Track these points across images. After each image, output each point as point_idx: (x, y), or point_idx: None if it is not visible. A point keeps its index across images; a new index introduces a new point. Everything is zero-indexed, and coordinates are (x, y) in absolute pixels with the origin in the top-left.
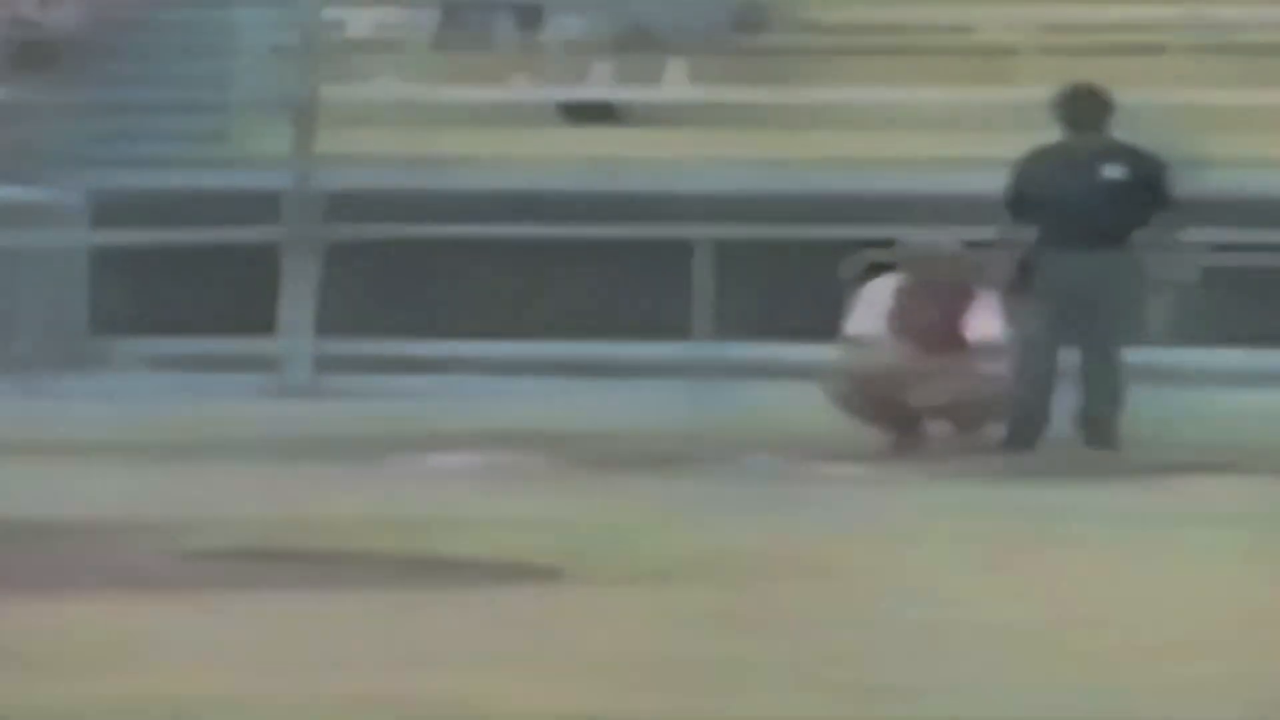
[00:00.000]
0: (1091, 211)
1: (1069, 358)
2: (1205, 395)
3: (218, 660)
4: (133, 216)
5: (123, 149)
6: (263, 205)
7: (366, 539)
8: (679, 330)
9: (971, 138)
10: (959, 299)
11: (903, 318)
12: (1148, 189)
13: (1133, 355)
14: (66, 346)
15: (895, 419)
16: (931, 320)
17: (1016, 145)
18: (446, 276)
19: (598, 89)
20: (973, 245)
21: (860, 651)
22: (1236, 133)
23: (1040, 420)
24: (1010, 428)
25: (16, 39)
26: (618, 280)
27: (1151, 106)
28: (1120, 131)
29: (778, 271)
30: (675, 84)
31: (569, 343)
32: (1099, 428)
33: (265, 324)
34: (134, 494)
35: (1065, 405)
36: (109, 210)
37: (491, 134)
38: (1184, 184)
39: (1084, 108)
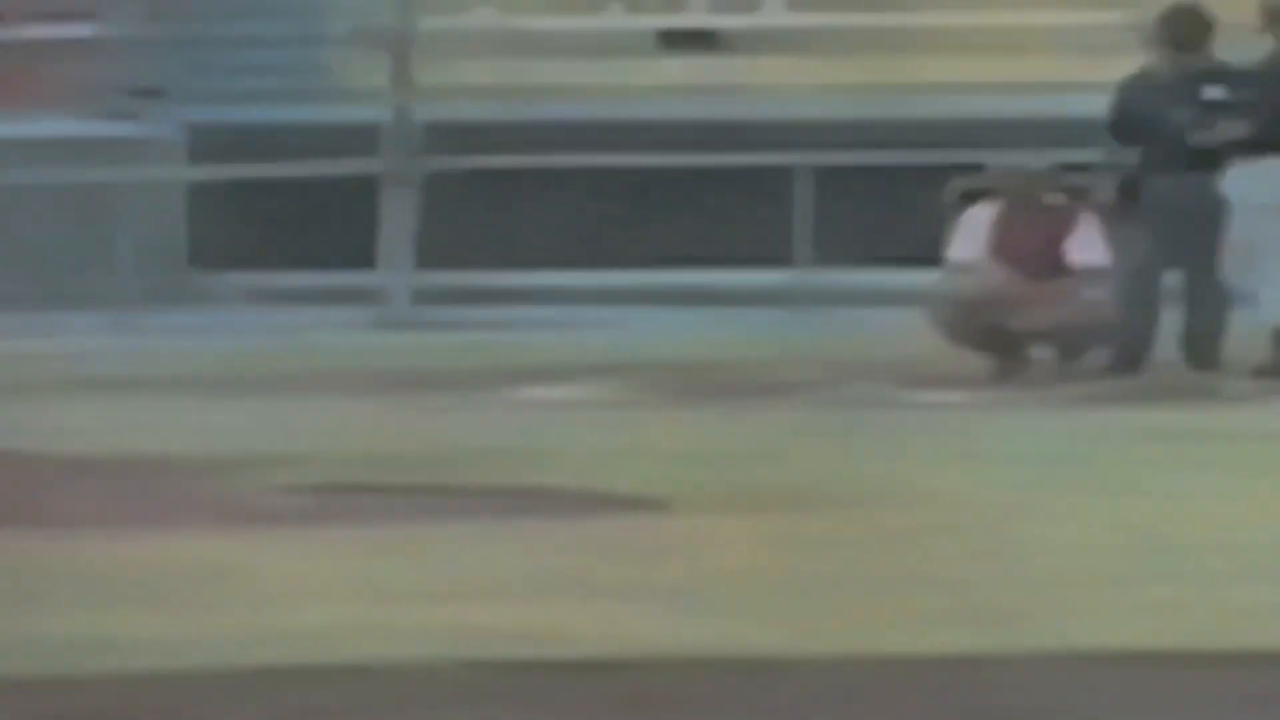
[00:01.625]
0: (1193, 133)
1: (1172, 280)
2: None
3: (319, 593)
4: (231, 151)
5: (220, 83)
6: (361, 138)
7: (468, 471)
8: (780, 258)
9: (1073, 61)
10: (1061, 224)
11: (1004, 243)
12: (1252, 110)
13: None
14: (166, 281)
15: (998, 344)
16: (1033, 245)
17: (1119, 68)
18: (545, 207)
19: (696, 16)
20: (1075, 169)
21: (966, 577)
22: None
23: (1145, 344)
24: (1115, 352)
25: None
26: (717, 208)
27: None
28: (1223, 52)
29: (878, 197)
30: (773, 10)
31: (669, 272)
32: (1203, 350)
33: (364, 257)
34: (234, 429)
35: (1169, 328)
36: (207, 144)
37: (589, 64)
38: None
39: (1186, 29)
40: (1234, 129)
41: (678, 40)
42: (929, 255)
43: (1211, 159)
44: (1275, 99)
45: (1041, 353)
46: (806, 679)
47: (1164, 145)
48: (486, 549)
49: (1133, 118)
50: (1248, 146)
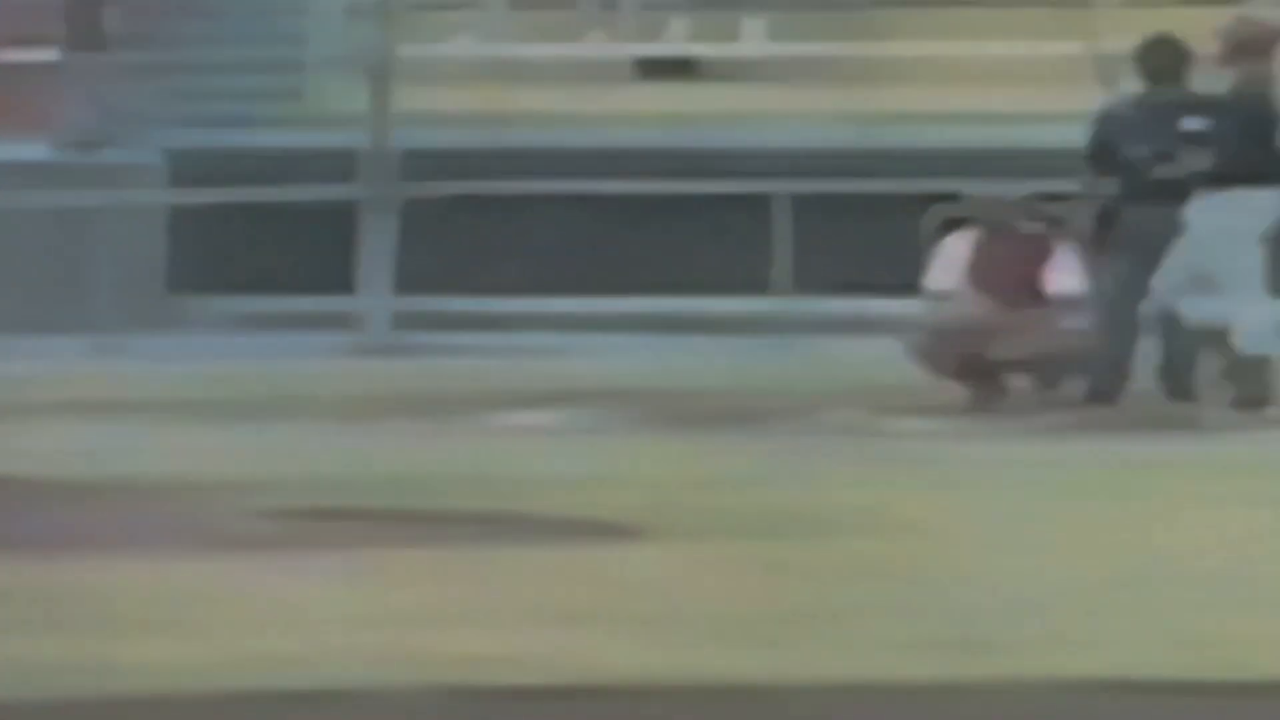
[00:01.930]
0: (1157, 166)
1: (1149, 311)
2: None
3: (293, 618)
4: (210, 176)
5: (200, 108)
6: (340, 163)
7: (445, 497)
8: (757, 285)
9: (1051, 91)
10: (1039, 253)
11: (982, 272)
12: (1227, 141)
13: None
14: (145, 306)
15: (975, 373)
16: (1011, 274)
17: (1096, 98)
18: (524, 234)
19: (675, 45)
20: (1053, 199)
21: (944, 606)
22: None
23: (1121, 374)
24: (1091, 382)
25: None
26: (696, 236)
27: None
28: (1200, 84)
29: (856, 226)
30: (752, 39)
31: (647, 299)
32: (1179, 381)
33: (343, 282)
34: (212, 453)
35: (1145, 359)
36: (186, 169)
37: (568, 91)
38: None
39: (1164, 60)
40: (1197, 161)
41: (657, 68)
42: (907, 284)
43: (1185, 190)
44: (1244, 131)
45: (1019, 382)
46: (783, 708)
47: (1140, 176)
48: (462, 575)
49: (1110, 148)
50: (1221, 178)
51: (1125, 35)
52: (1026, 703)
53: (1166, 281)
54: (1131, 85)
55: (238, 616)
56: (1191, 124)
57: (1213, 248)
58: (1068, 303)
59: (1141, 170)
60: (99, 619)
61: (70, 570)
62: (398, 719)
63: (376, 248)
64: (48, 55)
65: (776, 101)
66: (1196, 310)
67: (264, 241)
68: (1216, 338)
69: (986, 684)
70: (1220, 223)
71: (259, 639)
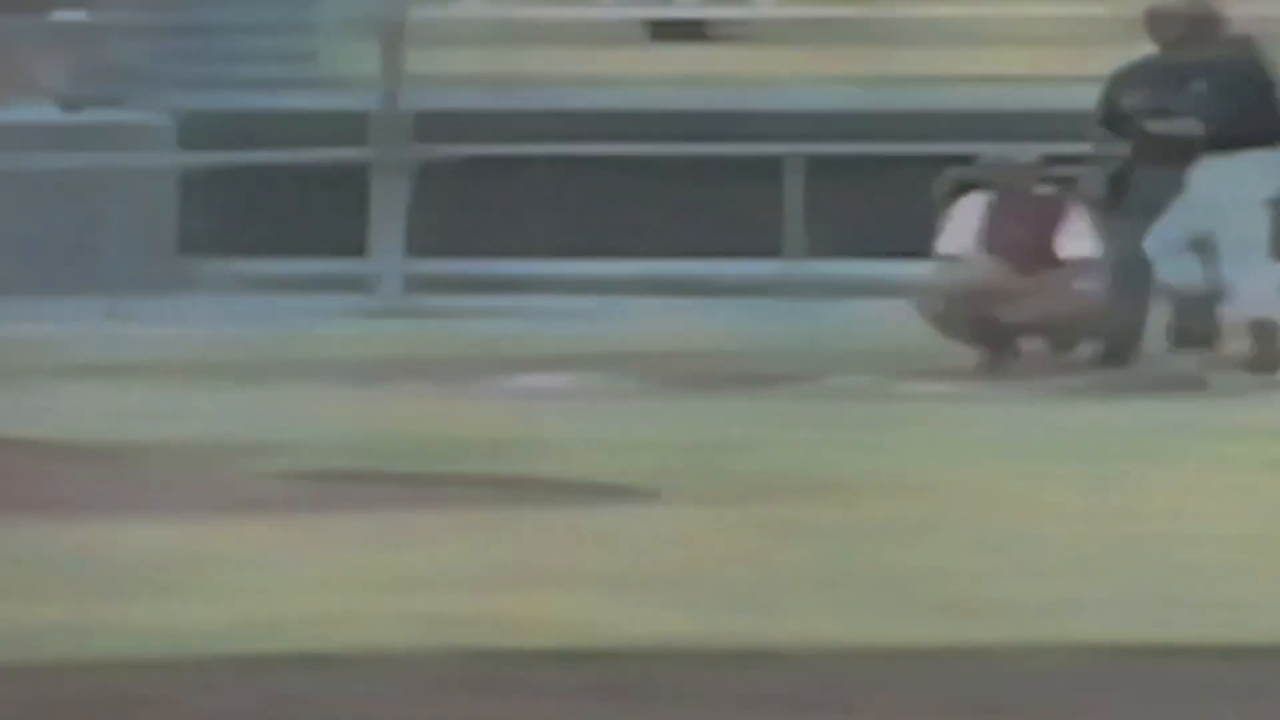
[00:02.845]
0: (1181, 126)
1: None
2: None
3: (306, 581)
4: (221, 138)
5: (211, 70)
6: (351, 125)
7: (458, 460)
8: (770, 248)
9: (1063, 53)
10: (1051, 216)
11: (995, 235)
12: (1235, 102)
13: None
14: (156, 268)
15: (988, 336)
16: (1024, 237)
17: (1108, 60)
18: (536, 196)
19: (686, 7)
20: (1065, 161)
21: (957, 568)
22: None
23: (1134, 336)
24: (1104, 344)
25: None
26: (707, 199)
27: (1243, 20)
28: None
29: (868, 189)
30: (764, 1)
31: (659, 262)
32: (1190, 341)
33: (355, 245)
34: (224, 416)
35: (1158, 321)
36: (197, 131)
37: (579, 53)
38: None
39: (1174, 23)
40: (1188, 124)
41: (668, 30)
42: (919, 247)
43: (1195, 152)
44: (1259, 93)
45: (1031, 345)
46: (797, 670)
47: (1150, 138)
48: (475, 538)
49: (1122, 110)
50: (1231, 140)
51: None
52: (1037, 666)
53: (1158, 243)
54: (1143, 47)
55: (252, 579)
56: (1200, 86)
57: (1215, 210)
58: (1080, 266)
59: (1151, 133)
60: (112, 582)
61: (83, 533)
62: (413, 682)
63: (388, 210)
64: (64, 16)
65: (788, 64)
66: (1177, 273)
67: (276, 204)
68: (1202, 302)
69: (996, 647)
70: (1224, 185)
71: (273, 602)
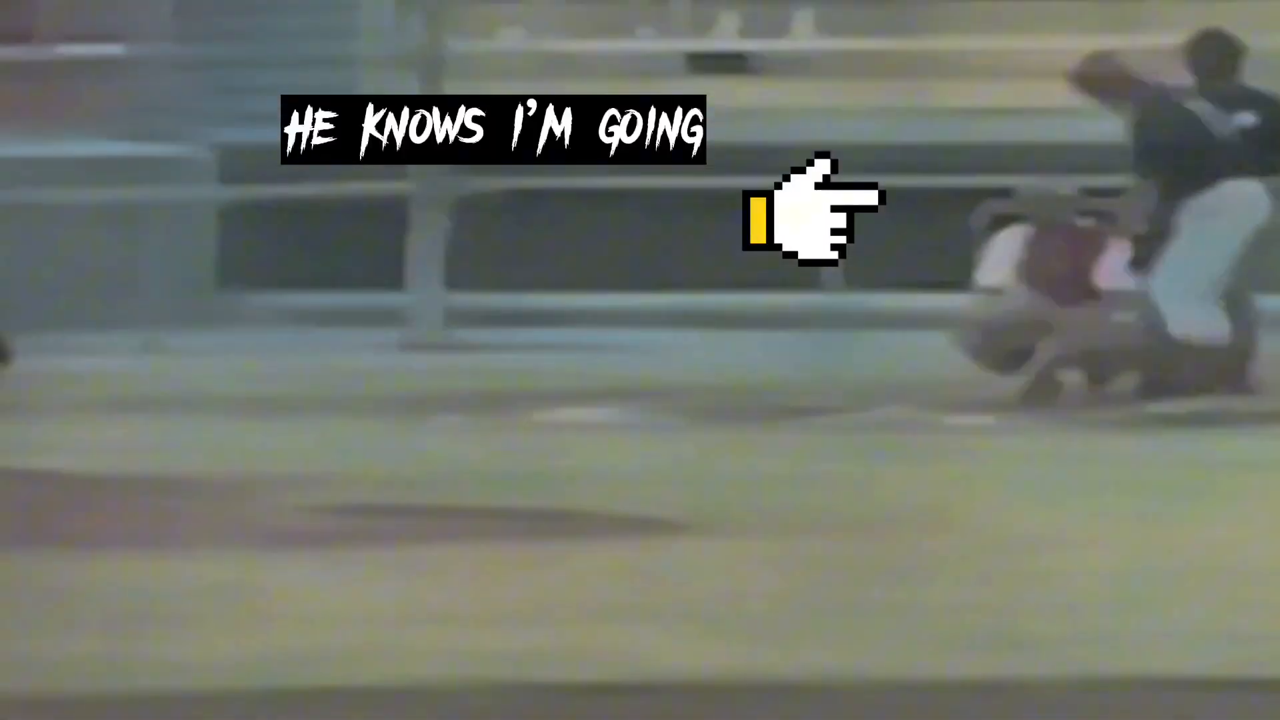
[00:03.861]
0: (1222, 159)
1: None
2: None
3: (340, 614)
4: (260, 171)
5: (250, 103)
6: None
7: (495, 493)
8: (808, 281)
9: None
10: (1090, 248)
11: (1034, 267)
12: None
13: (1266, 302)
14: (194, 302)
15: (1027, 369)
16: (1062, 270)
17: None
18: (575, 230)
19: (726, 40)
20: (1104, 194)
21: (989, 603)
22: None
23: (1175, 369)
24: (1143, 377)
25: None
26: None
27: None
28: (1252, 78)
29: (907, 221)
30: (803, 34)
31: (697, 294)
32: (1233, 374)
33: (393, 278)
34: (262, 449)
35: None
36: (237, 165)
37: (618, 85)
38: None
39: (1215, 54)
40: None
41: (707, 63)
42: (958, 279)
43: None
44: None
45: (1071, 377)
46: (830, 705)
47: (1192, 170)
48: (510, 571)
49: (1162, 143)
50: (1272, 173)
51: (1174, 29)
52: (1077, 700)
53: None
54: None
55: (289, 613)
56: (1243, 119)
57: (1194, 242)
58: (1120, 298)
59: (1190, 165)
60: (148, 615)
61: (119, 566)
62: (450, 716)
63: (427, 243)
64: (103, 50)
65: (827, 96)
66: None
67: (314, 237)
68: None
69: (1034, 681)
70: (1206, 217)
71: (310, 635)
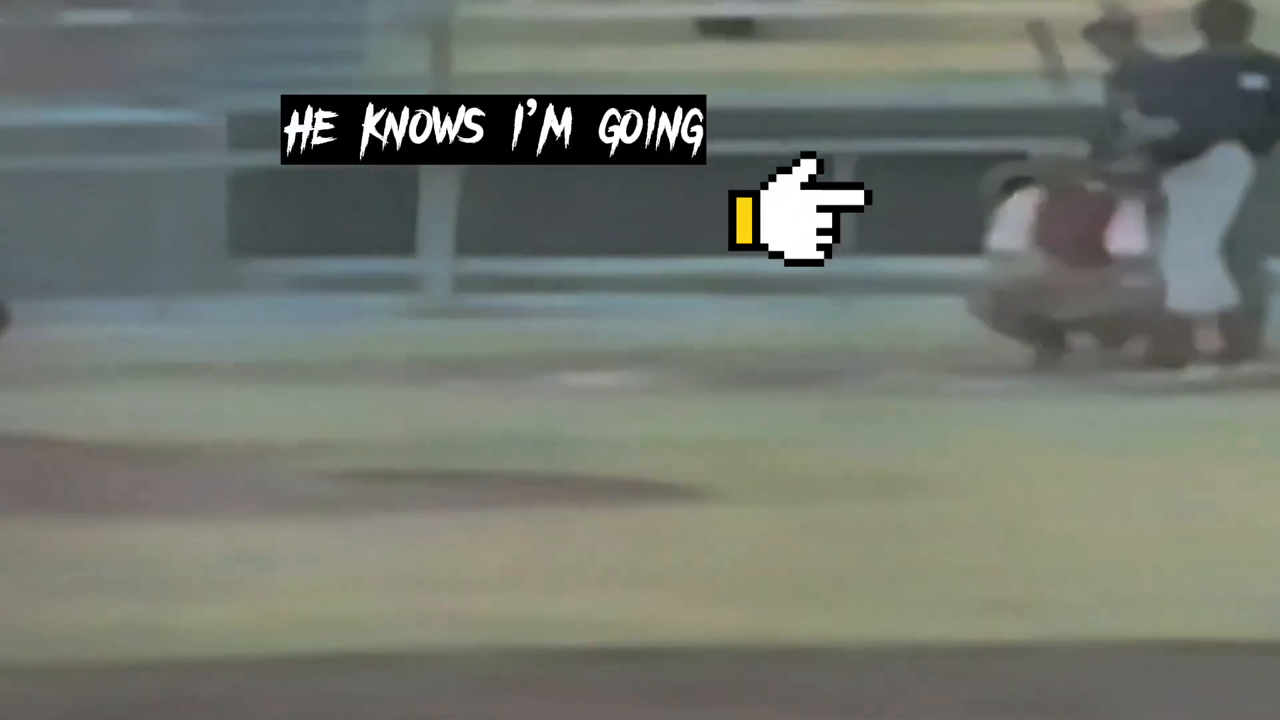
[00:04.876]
0: (1231, 122)
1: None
2: None
3: (353, 580)
4: (271, 137)
5: (260, 70)
6: None
7: (507, 458)
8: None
9: None
10: (1102, 212)
11: (1046, 231)
12: None
13: (1274, 265)
14: (206, 269)
15: (1039, 333)
16: (1075, 233)
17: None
18: (586, 194)
19: (735, 4)
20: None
21: (1003, 566)
22: None
23: (1185, 333)
24: (1155, 340)
25: None
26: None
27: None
28: (1261, 42)
29: (919, 185)
30: None
31: (709, 259)
32: (1242, 338)
33: (404, 244)
34: (274, 416)
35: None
36: (248, 131)
37: (629, 50)
38: None
39: (1224, 17)
40: (1257, 119)
41: (717, 27)
42: (970, 243)
43: (1249, 148)
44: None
45: (1083, 341)
46: (840, 668)
47: (1201, 134)
48: (524, 536)
49: (1170, 104)
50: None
51: None
52: (1088, 663)
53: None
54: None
55: (302, 579)
56: (1252, 82)
57: (1185, 210)
58: (1131, 262)
59: (1200, 129)
60: (162, 582)
61: (133, 533)
62: (463, 681)
63: (437, 209)
64: (114, 17)
65: (837, 60)
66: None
67: (326, 204)
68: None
69: (1046, 644)
70: (1194, 184)
71: (323, 601)
